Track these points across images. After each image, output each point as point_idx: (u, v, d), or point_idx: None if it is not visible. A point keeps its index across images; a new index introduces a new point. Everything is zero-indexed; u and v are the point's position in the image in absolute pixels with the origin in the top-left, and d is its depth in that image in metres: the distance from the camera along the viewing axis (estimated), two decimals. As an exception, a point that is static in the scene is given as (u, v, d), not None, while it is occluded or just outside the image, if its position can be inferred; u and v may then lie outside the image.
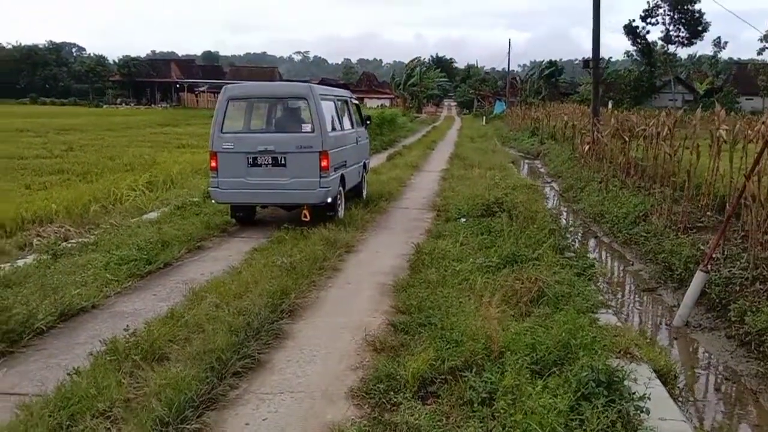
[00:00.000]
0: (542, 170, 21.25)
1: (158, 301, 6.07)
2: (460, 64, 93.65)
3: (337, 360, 4.71)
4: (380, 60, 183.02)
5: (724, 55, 57.93)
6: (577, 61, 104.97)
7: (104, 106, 63.94)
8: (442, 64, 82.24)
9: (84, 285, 6.21)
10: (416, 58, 65.53)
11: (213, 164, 8.70)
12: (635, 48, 58.28)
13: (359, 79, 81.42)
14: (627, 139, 14.49)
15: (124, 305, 5.97)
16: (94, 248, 7.93)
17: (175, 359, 4.34)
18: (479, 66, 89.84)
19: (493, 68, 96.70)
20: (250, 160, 8.58)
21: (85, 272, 6.69)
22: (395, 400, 3.88)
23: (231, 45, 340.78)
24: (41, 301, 5.57)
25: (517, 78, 69.32)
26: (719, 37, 57.05)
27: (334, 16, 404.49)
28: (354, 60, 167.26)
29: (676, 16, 55.59)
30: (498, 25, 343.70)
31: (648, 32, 56.55)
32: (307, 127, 8.64)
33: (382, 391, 3.97)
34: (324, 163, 8.50)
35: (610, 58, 76.90)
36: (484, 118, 51.58)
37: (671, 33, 56.80)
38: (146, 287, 6.52)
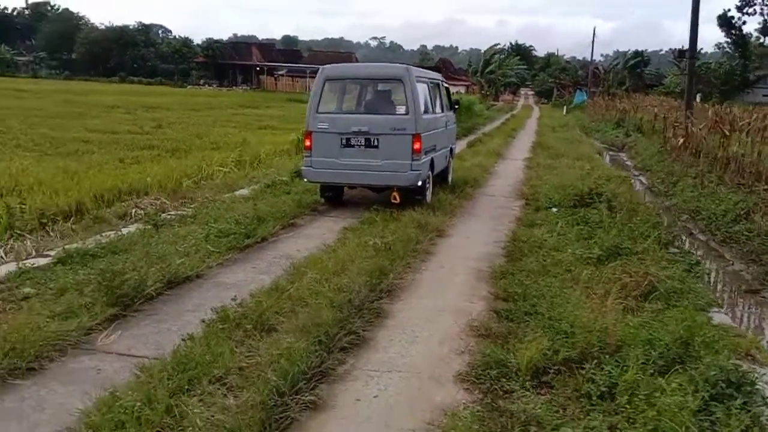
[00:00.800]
0: (628, 162, 20.43)
1: (258, 273, 6.18)
2: (540, 52, 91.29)
3: (438, 342, 4.65)
4: (456, 47, 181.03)
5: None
6: (663, 52, 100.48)
7: (188, 87, 65.95)
8: (521, 51, 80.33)
9: (187, 255, 6.38)
10: (495, 44, 64.37)
11: (307, 143, 8.78)
12: (728, 40, 55.25)
13: (435, 65, 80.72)
14: (727, 133, 13.73)
15: (225, 276, 6.09)
16: (192, 220, 8.17)
17: (284, 331, 4.38)
18: (560, 54, 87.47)
19: (574, 57, 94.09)
20: (344, 140, 8.61)
21: (187, 243, 6.88)
22: (508, 387, 3.78)
23: (310, 29, 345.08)
24: (148, 268, 5.76)
25: (600, 67, 67.12)
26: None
27: (415, 1, 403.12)
28: (430, 46, 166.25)
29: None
30: (584, 13, 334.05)
31: (744, 23, 53.61)
32: (402, 109, 8.58)
33: (493, 377, 3.88)
34: (416, 146, 8.43)
35: (701, 49, 73.30)
36: (565, 107, 50.09)
37: (771, 23, 53.50)
38: (246, 260, 6.65)
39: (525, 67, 70.95)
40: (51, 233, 8.18)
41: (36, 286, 5.60)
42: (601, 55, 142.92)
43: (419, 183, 8.61)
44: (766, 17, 52.79)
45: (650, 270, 5.55)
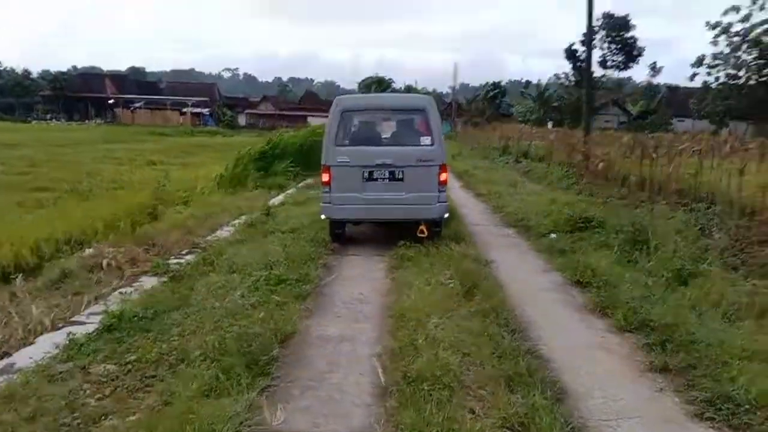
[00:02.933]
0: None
1: (352, 322, 5.65)
2: (397, 84, 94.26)
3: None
4: (312, 79, 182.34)
5: (659, 79, 61.09)
6: (504, 84, 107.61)
7: (33, 122, 60.32)
8: (383, 84, 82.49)
9: (255, 308, 5.70)
10: (371, 76, 65.55)
11: (326, 179, 8.24)
12: (573, 72, 60.67)
13: (302, 98, 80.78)
14: (654, 156, 14.93)
15: (321, 329, 5.47)
16: (210, 269, 7.31)
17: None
18: (417, 86, 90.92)
19: (434, 89, 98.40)
20: (366, 174, 8.19)
21: (241, 294, 6.14)
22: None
23: (158, 61, 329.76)
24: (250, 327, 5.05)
25: (463, 99, 70.75)
26: (654, 63, 60.25)
27: (264, 34, 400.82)
28: (285, 78, 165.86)
29: (612, 42, 58.34)
30: (433, 48, 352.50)
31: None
32: (427, 140, 8.32)
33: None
34: (443, 177, 8.22)
35: (528, 81, 79.76)
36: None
37: (607, 57, 59.50)
38: (320, 308, 6.03)
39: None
40: (19, 294, 7.05)
41: (115, 359, 4.67)
42: (448, 87, 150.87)
43: (446, 215, 8.38)
44: (604, 51, 58.49)
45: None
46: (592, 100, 22.17)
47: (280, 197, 14.72)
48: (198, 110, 69.88)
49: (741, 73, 50.37)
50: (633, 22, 58.19)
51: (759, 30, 47.66)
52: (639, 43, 58.86)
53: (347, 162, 8.17)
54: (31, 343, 5.16)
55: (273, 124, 71.12)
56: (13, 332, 5.69)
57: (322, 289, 6.67)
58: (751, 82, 49.71)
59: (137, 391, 4.20)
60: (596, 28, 57.99)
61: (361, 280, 7.11)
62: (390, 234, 9.17)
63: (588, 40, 21.50)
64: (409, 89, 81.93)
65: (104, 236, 10.64)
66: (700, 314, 5.34)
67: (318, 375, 4.49)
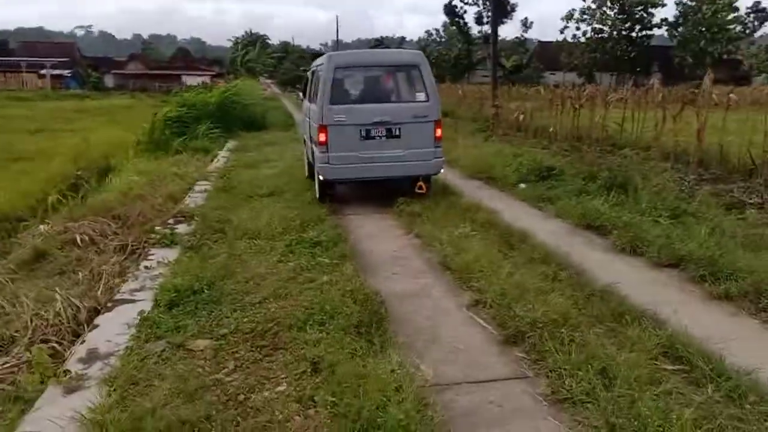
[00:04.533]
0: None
1: (412, 278, 5.70)
2: (273, 41, 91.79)
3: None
4: (174, 36, 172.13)
5: (530, 35, 63.92)
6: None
7: None
8: (255, 40, 80.00)
9: (314, 269, 5.65)
10: (251, 32, 63.16)
11: (323, 138, 8.06)
12: (454, 28, 62.07)
13: (173, 56, 76.31)
14: (577, 107, 15.91)
15: (388, 287, 5.48)
16: (223, 236, 7.04)
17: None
18: (295, 43, 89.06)
19: (308, 45, 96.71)
20: (363, 132, 8.12)
21: (284, 260, 6.03)
22: None
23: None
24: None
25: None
26: (526, 18, 62.87)
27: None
28: (145, 35, 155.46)
29: (487, -2, 60.04)
30: (298, 2, 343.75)
31: (465, 12, 60.56)
32: (422, 96, 8.34)
33: None
34: (438, 133, 8.33)
35: (403, 38, 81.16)
36: None
37: (482, 13, 61.30)
38: (373, 269, 6.02)
39: (277, 55, 70.94)
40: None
41: (207, 333, 4.49)
42: (320, 44, 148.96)
43: (442, 170, 8.53)
44: (480, 8, 60.19)
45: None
46: (496, 54, 22.90)
47: (219, 161, 14.15)
48: (58, 72, 64.15)
49: (605, 28, 54.04)
50: (506, -23, 60.09)
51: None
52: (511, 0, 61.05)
53: (344, 121, 8.05)
54: (95, 327, 4.77)
55: (144, 84, 66.95)
56: (48, 319, 5.26)
57: (356, 248, 6.62)
58: (614, 36, 53.53)
59: (261, 361, 4.07)
60: (472, -16, 59.54)
61: (384, 238, 7.15)
62: (376, 192, 9.23)
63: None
64: (286, 46, 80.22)
65: (40, 212, 9.95)
66: (723, 246, 5.91)
67: (425, 330, 4.55)
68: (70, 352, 4.36)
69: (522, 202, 8.93)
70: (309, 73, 10.39)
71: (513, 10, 60.46)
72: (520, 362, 4.04)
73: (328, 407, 3.40)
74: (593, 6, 53.92)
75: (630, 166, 9.37)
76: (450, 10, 60.56)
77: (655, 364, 3.79)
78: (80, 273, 6.67)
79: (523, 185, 10.06)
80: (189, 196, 9.70)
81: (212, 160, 14.78)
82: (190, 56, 75.67)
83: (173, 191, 10.57)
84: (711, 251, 5.65)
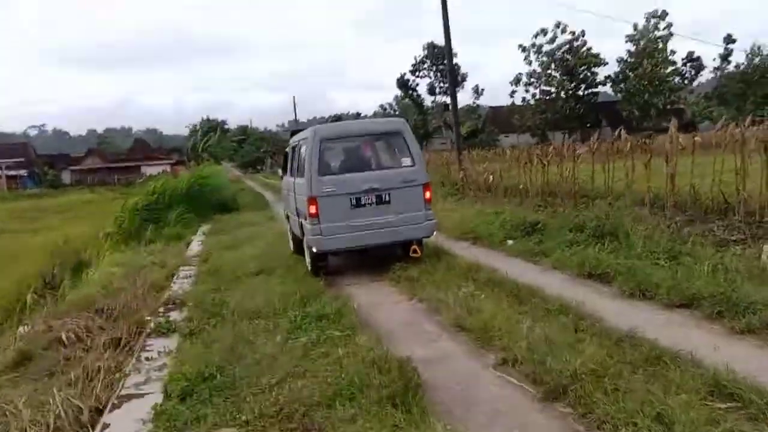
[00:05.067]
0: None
1: (429, 343, 5.54)
2: (231, 125, 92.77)
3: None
4: (130, 128, 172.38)
5: (482, 101, 65.98)
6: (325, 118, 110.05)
7: None
8: (215, 126, 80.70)
9: (325, 343, 5.45)
10: (208, 118, 63.69)
11: (313, 210, 7.98)
12: (408, 100, 63.81)
13: (131, 148, 76.21)
14: (545, 164, 16.25)
15: (410, 353, 5.29)
16: (220, 319, 6.79)
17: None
18: (253, 126, 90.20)
19: (265, 127, 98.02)
20: (354, 201, 8.08)
21: (293, 336, 5.83)
22: None
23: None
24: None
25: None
26: (477, 85, 64.98)
27: (68, 84, 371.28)
28: (100, 130, 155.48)
29: (437, 71, 62.23)
30: (254, 88, 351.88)
31: (417, 84, 62.51)
32: (407, 161, 8.40)
33: None
34: (428, 195, 8.35)
35: (358, 114, 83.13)
36: None
37: (435, 85, 63.37)
38: (387, 338, 5.82)
39: (237, 139, 71.53)
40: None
41: (228, 421, 4.23)
42: (277, 125, 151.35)
43: (434, 233, 8.50)
44: (432, 80, 62.23)
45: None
46: (458, 120, 23.50)
47: (196, 245, 13.90)
48: (13, 173, 63.35)
49: (552, 89, 56.29)
50: (455, 50, 62.68)
51: (563, 50, 53.75)
52: (462, 69, 63.37)
53: (333, 191, 8.01)
54: (105, 426, 4.45)
55: (103, 178, 66.45)
56: (49, 423, 4.93)
57: (362, 319, 6.44)
58: (562, 96, 55.72)
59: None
60: (422, 58, 61.74)
61: (388, 305, 7.01)
62: (369, 260, 9.16)
63: (450, 70, 22.96)
64: (245, 129, 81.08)
65: (17, 313, 9.65)
66: (732, 282, 5.93)
67: (459, 394, 4.38)
68: (85, 457, 4.00)
69: (515, 258, 8.91)
70: (289, 149, 10.42)
71: (464, 79, 62.83)
72: (567, 417, 3.88)
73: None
74: (538, 69, 56.24)
75: (615, 214, 9.47)
76: (403, 83, 62.51)
77: (707, 404, 3.68)
78: (71, 372, 6.32)
79: (510, 242, 10.10)
80: (174, 283, 9.42)
81: (187, 246, 14.53)
82: (148, 146, 75.67)
83: (155, 279, 10.29)
84: (723, 288, 5.66)
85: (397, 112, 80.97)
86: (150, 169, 67.33)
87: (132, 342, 7.59)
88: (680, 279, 6.25)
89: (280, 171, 11.60)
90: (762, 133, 10.29)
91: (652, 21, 50.79)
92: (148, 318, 7.88)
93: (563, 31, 54.15)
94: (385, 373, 4.50)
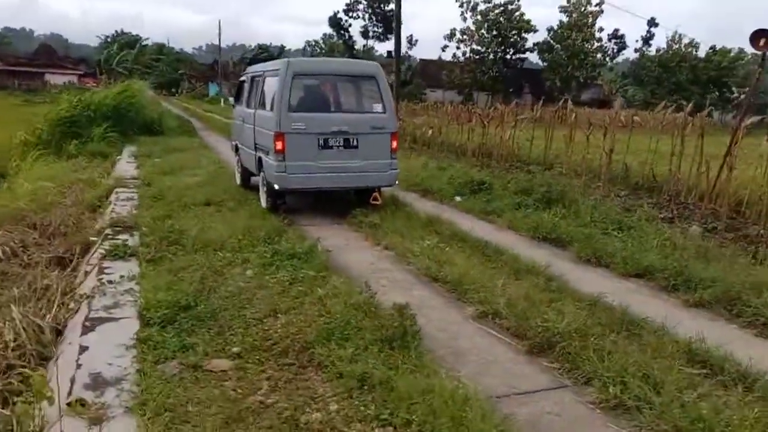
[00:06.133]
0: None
1: (405, 291, 5.65)
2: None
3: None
4: (32, 30, 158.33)
5: (414, 52, 65.58)
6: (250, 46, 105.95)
7: None
8: (132, 41, 75.83)
9: (302, 283, 5.46)
10: (122, 31, 59.53)
11: (279, 146, 7.78)
12: (339, 40, 62.48)
13: (37, 51, 70.24)
14: (486, 123, 16.56)
15: (386, 299, 5.39)
16: (180, 248, 6.59)
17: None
18: (169, 45, 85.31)
19: (182, 48, 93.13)
20: (321, 141, 7.94)
21: (263, 272, 5.80)
22: None
23: None
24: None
25: (230, 61, 68.29)
26: (411, 35, 64.40)
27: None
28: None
29: (373, 14, 61.15)
30: (170, 3, 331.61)
31: (350, 25, 61.21)
32: (379, 107, 8.31)
33: None
34: (394, 145, 8.34)
35: (284, 47, 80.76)
36: (222, 102, 49.23)
37: (369, 28, 62.31)
38: (359, 281, 5.85)
39: (154, 58, 67.48)
40: None
41: (219, 353, 4.20)
42: (194, 48, 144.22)
43: (396, 182, 8.53)
44: (366, 22, 61.10)
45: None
46: (399, 71, 23.38)
47: (125, 166, 13.26)
48: None
49: (483, 49, 56.81)
50: (392, -4, 61.58)
51: (497, 11, 54.11)
52: (396, 16, 62.44)
53: (303, 129, 7.84)
54: (84, 348, 4.28)
55: (2, 82, 61.17)
56: (7, 341, 4.70)
57: (333, 261, 6.44)
58: (491, 57, 56.39)
59: (295, 380, 3.85)
60: (357, -1, 60.33)
61: (355, 249, 7.04)
62: (326, 203, 9.12)
63: (397, 22, 22.59)
64: (161, 48, 76.77)
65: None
66: (675, 258, 6.39)
67: (445, 343, 4.52)
68: (71, 378, 3.84)
69: (467, 214, 9.12)
70: (246, 78, 10.03)
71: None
72: (553, 372, 4.12)
73: (401, 426, 3.27)
74: (472, 27, 56.44)
75: (561, 182, 9.87)
76: (335, 22, 61.04)
77: (683, 369, 4.00)
78: (14, 289, 6.00)
79: (459, 198, 10.32)
80: (114, 205, 8.97)
81: (112, 166, 13.85)
82: (54, 53, 69.96)
83: (88, 198, 9.80)
84: (676, 262, 6.09)
85: (323, 51, 79.17)
86: (55, 78, 62.71)
87: (76, 262, 7.27)
88: (632, 250, 6.65)
89: (231, 99, 11.16)
90: (699, 121, 10.95)
91: (586, -5, 51.89)
92: (94, 238, 7.53)
93: (502, -9, 54.40)
94: (373, 316, 4.57)
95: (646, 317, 4.82)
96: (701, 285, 5.66)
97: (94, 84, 50.19)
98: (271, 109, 8.06)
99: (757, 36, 8.84)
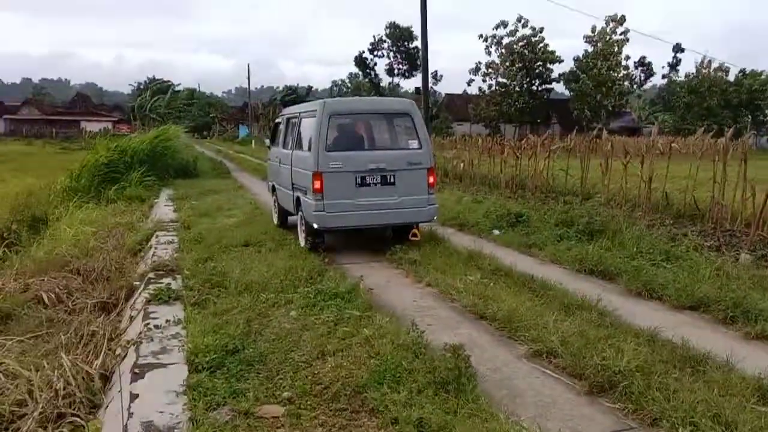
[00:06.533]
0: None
1: (451, 330, 5.52)
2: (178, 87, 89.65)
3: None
4: (68, 80, 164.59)
5: (439, 88, 66.23)
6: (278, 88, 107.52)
7: None
8: (164, 87, 77.80)
9: (346, 323, 5.36)
10: (160, 81, 61.29)
11: (317, 186, 7.80)
12: (364, 78, 63.36)
13: (73, 100, 72.67)
14: (518, 156, 16.47)
15: (436, 340, 5.27)
16: (224, 290, 6.57)
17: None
18: (200, 90, 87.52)
19: (211, 92, 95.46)
20: (359, 179, 7.95)
21: (306, 314, 5.74)
22: None
23: None
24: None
25: (259, 104, 69.74)
26: (436, 71, 65.05)
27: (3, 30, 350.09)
28: (35, 80, 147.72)
29: (397, 52, 62.01)
30: (201, 49, 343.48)
31: (375, 64, 62.13)
32: (414, 143, 8.32)
33: None
34: (431, 180, 8.31)
35: (311, 87, 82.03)
36: (253, 143, 50.07)
37: (394, 66, 63.14)
38: (404, 321, 5.76)
39: (186, 102, 69.16)
40: None
41: (268, 397, 4.12)
42: (223, 92, 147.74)
43: (435, 217, 8.48)
44: (391, 60, 61.95)
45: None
46: (428, 107, 23.51)
47: (163, 209, 13.43)
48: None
49: (508, 82, 57.04)
50: (415, 33, 62.46)
51: (521, 44, 54.42)
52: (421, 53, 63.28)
53: (340, 167, 7.87)
54: (135, 396, 4.24)
55: (41, 130, 63.34)
56: (58, 389, 4.69)
57: (375, 300, 6.36)
58: (517, 89, 56.55)
59: (349, 426, 3.75)
60: (383, 37, 61.31)
61: (397, 287, 6.95)
62: (364, 241, 9.09)
63: (424, 59, 22.76)
64: (192, 93, 78.67)
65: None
66: (732, 289, 6.16)
67: (499, 384, 4.38)
68: (123, 427, 3.80)
69: (507, 248, 8.98)
70: (282, 120, 10.16)
71: (422, 63, 62.73)
72: (617, 413, 3.94)
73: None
74: (497, 61, 56.79)
75: (603, 213, 9.69)
76: (360, 61, 61.98)
77: (756, 408, 3.80)
78: (61, 335, 6.03)
79: (497, 231, 10.19)
80: (155, 248, 9.05)
81: (150, 209, 14.06)
82: (89, 101, 72.31)
83: (129, 243, 9.93)
84: (733, 293, 5.87)
85: (350, 90, 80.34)
86: (91, 126, 64.69)
87: (120, 307, 7.31)
88: (684, 281, 6.43)
89: (266, 141, 11.30)
90: (741, 146, 10.71)
91: (611, 24, 51.93)
92: (137, 283, 7.59)
93: (524, 26, 54.83)
94: (424, 358, 4.46)
95: (707, 352, 4.60)
96: (762, 316, 5.43)
97: (129, 130, 51.60)
98: (309, 149, 8.11)
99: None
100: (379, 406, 3.88)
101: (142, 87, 68.14)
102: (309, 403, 4.05)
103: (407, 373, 4.22)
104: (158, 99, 53.79)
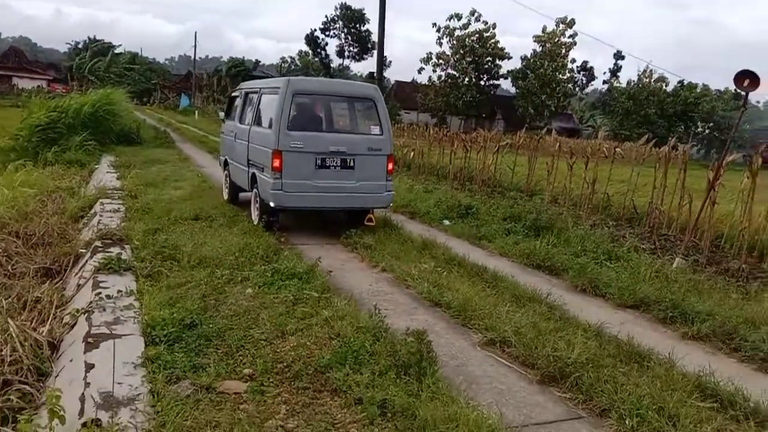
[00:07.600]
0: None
1: (407, 315, 5.63)
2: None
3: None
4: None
5: (388, 74, 66.12)
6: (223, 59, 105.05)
7: None
8: (105, 49, 74.79)
9: (305, 303, 5.39)
10: (94, 38, 58.70)
11: (276, 164, 7.73)
12: (314, 57, 62.66)
13: (5, 54, 68.66)
14: (467, 149, 16.73)
15: (393, 324, 5.36)
16: (176, 264, 6.48)
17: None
18: (142, 54, 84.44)
19: (154, 58, 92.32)
20: (319, 161, 7.92)
21: (261, 291, 5.73)
22: None
23: None
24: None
25: (204, 73, 67.81)
26: (386, 57, 64.85)
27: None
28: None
29: (348, 33, 61.56)
30: (146, 12, 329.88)
31: (327, 44, 61.52)
32: (376, 129, 8.34)
33: None
34: (390, 167, 8.37)
35: (258, 61, 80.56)
36: (196, 114, 48.81)
37: (345, 47, 62.69)
38: (361, 305, 5.83)
39: (127, 67, 66.60)
40: None
41: (230, 373, 4.13)
42: (166, 58, 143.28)
43: (391, 204, 8.54)
44: (342, 41, 61.47)
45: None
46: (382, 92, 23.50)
47: (104, 177, 12.99)
48: None
49: (458, 74, 57.60)
50: (368, 15, 62.25)
51: (473, 38, 55.01)
52: (372, 37, 63.11)
53: (300, 147, 7.81)
54: (90, 366, 4.15)
55: (-35, 84, 59.71)
56: (4, 356, 4.54)
57: (331, 282, 6.39)
58: (466, 82, 57.18)
59: (313, 405, 3.80)
60: (334, 18, 60.72)
61: (352, 271, 7.01)
62: (317, 222, 9.08)
63: (380, 44, 22.69)
64: (134, 57, 75.88)
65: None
66: (671, 291, 6.51)
67: (456, 370, 4.52)
68: (80, 396, 3.72)
69: (458, 238, 9.15)
70: (239, 94, 9.97)
71: (374, 47, 62.55)
72: (567, 402, 4.14)
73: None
74: (448, 53, 57.21)
75: (548, 210, 10.00)
76: (311, 40, 61.25)
77: (695, 403, 4.06)
78: (2, 299, 5.81)
79: (447, 221, 10.37)
80: (100, 216, 8.77)
81: (90, 175, 13.60)
82: (24, 57, 68.53)
83: (70, 208, 9.59)
84: (673, 295, 6.21)
85: (299, 68, 79.22)
86: (23, 82, 61.52)
87: (64, 274, 7.08)
88: (626, 281, 6.76)
89: (221, 114, 11.09)
90: (682, 155, 11.23)
91: (561, 27, 53.13)
92: (83, 250, 7.36)
93: (477, 20, 55.39)
94: (384, 341, 4.54)
95: (651, 349, 4.87)
96: (698, 318, 5.77)
97: (65, 91, 49.22)
98: (269, 126, 8.02)
99: (740, 76, 9.12)
100: (342, 387, 3.93)
101: (80, 47, 65.26)
102: (271, 380, 4.06)
103: (369, 356, 4.29)
104: (98, 61, 51.73)
